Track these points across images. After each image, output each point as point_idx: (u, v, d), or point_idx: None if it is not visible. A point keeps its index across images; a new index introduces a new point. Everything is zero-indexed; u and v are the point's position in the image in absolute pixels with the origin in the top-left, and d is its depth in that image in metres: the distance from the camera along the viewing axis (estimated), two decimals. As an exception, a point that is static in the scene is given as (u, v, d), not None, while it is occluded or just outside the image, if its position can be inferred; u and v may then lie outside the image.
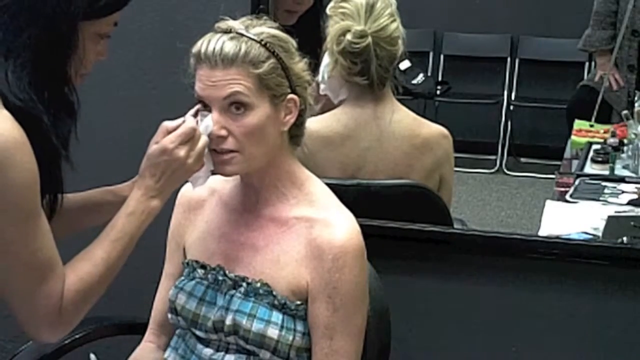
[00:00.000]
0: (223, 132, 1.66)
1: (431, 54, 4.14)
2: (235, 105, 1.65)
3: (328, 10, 2.32)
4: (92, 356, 2.04)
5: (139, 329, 1.95)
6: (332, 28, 2.30)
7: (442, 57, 4.13)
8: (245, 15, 1.73)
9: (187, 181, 1.86)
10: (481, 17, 4.09)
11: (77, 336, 2.02)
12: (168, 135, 1.62)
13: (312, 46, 2.29)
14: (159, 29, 2.50)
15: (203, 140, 1.64)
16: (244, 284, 1.72)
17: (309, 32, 2.30)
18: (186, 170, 1.64)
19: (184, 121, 1.64)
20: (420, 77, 3.04)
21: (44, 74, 1.51)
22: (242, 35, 1.66)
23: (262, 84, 1.65)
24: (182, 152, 1.62)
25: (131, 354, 1.90)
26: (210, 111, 1.67)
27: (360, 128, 2.33)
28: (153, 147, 1.63)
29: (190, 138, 1.62)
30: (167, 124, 1.65)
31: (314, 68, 2.36)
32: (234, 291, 1.73)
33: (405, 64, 2.66)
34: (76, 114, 1.58)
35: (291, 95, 1.70)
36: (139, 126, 2.56)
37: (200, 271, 1.78)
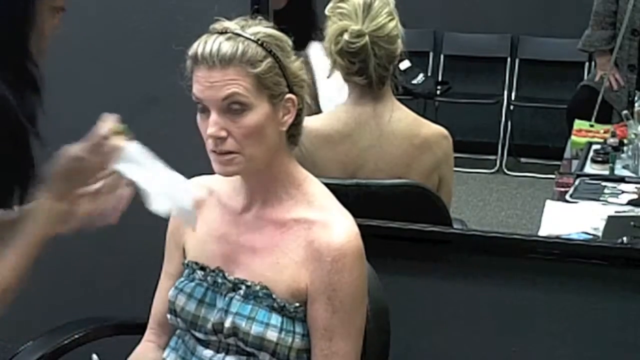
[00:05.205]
0: (223, 134, 1.65)
1: (431, 54, 4.14)
2: (234, 106, 1.64)
3: (326, 11, 2.32)
4: (95, 357, 2.04)
5: (139, 329, 1.95)
6: (330, 28, 2.29)
7: (442, 57, 4.14)
8: (241, 16, 1.73)
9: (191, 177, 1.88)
10: (481, 17, 4.10)
11: (76, 336, 2.02)
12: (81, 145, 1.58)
13: (304, 30, 2.30)
14: (155, 30, 2.50)
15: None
16: (244, 287, 1.72)
17: (300, 16, 2.31)
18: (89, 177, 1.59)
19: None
20: (420, 77, 3.05)
21: (5, 52, 1.51)
22: (239, 35, 1.66)
23: (261, 84, 1.65)
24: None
25: (131, 353, 1.90)
26: (209, 112, 1.66)
27: (360, 127, 2.33)
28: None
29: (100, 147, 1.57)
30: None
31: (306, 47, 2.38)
32: (233, 293, 1.73)
33: (405, 64, 2.66)
34: (41, 89, 1.57)
35: (289, 95, 1.69)
36: (137, 126, 2.56)
37: (199, 273, 1.78)
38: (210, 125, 1.65)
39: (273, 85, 1.66)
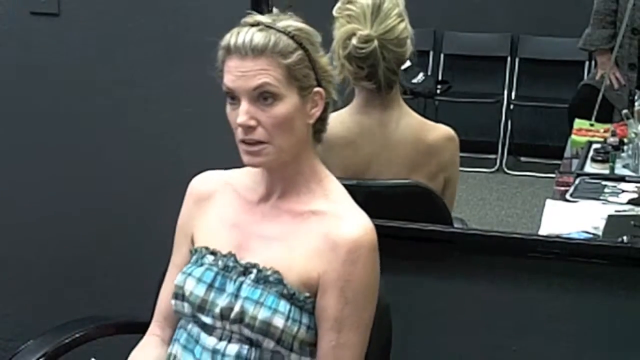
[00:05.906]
0: (252, 122, 1.68)
1: (431, 53, 4.13)
2: (264, 96, 1.67)
3: (334, 12, 2.28)
4: (94, 360, 2.05)
5: (139, 329, 1.95)
6: (338, 31, 2.25)
7: (442, 56, 4.13)
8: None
9: (197, 174, 1.87)
10: (481, 16, 4.09)
11: (76, 335, 2.02)
12: None
13: None
14: (155, 30, 2.50)
15: None
16: (255, 271, 1.72)
17: None
18: None
19: None
20: (420, 76, 3.04)
21: None
22: (271, 27, 1.69)
23: (291, 75, 1.68)
24: None
25: (131, 353, 1.89)
26: (239, 102, 1.68)
27: (364, 134, 2.31)
28: None
29: None
30: None
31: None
32: (243, 277, 1.73)
33: (405, 63, 2.65)
34: None
35: (317, 88, 1.72)
36: (137, 125, 2.57)
37: (210, 257, 1.78)
38: (241, 114, 1.68)
39: (302, 78, 1.70)
